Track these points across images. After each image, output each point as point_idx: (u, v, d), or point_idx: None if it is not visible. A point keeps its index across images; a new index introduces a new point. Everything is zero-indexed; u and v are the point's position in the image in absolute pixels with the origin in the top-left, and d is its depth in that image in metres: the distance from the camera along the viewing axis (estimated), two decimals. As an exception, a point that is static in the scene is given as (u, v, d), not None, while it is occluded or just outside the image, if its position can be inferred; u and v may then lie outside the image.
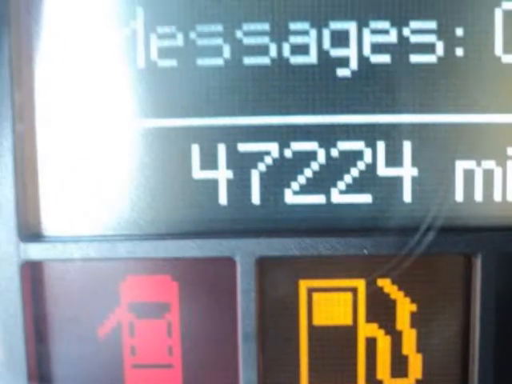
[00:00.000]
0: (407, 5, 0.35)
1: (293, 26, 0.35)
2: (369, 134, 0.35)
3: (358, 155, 0.36)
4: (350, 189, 0.36)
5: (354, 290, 0.36)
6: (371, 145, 0.36)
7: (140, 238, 0.36)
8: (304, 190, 0.36)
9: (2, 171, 0.35)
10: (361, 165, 0.36)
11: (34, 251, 0.36)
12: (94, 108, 0.36)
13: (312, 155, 0.36)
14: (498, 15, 0.35)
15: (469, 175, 0.35)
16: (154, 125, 0.36)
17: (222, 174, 0.36)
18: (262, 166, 0.36)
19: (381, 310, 0.37)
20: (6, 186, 0.35)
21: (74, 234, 0.36)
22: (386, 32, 0.35)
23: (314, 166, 0.36)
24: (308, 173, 0.36)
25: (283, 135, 0.36)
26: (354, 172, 0.36)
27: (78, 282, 0.37)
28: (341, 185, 0.36)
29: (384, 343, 0.37)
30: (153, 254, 0.35)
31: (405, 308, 0.37)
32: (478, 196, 0.36)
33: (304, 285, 0.36)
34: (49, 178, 0.36)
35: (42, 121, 0.36)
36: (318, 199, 0.36)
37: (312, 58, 0.35)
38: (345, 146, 0.36)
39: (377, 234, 0.35)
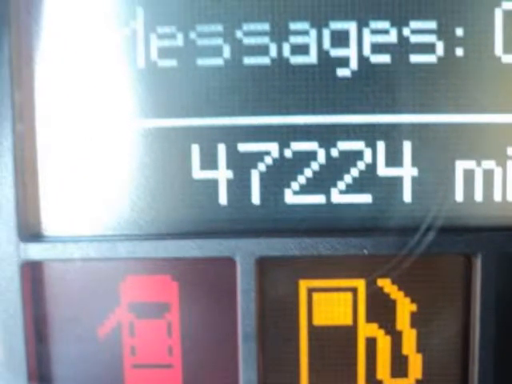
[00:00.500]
0: (407, 5, 0.35)
1: (293, 25, 0.35)
2: (369, 134, 0.35)
3: (358, 155, 0.36)
4: (350, 189, 0.36)
5: (354, 290, 0.36)
6: (371, 145, 0.36)
7: (140, 238, 0.36)
8: (304, 189, 0.36)
9: (1, 171, 0.35)
10: (361, 165, 0.36)
11: (34, 251, 0.36)
12: (93, 108, 0.36)
13: (312, 155, 0.36)
14: (498, 15, 0.35)
15: (469, 175, 0.35)
16: (154, 125, 0.36)
17: (222, 174, 0.36)
18: (261, 166, 0.36)
19: (381, 310, 0.37)
20: (6, 186, 0.35)
21: (74, 234, 0.36)
22: (385, 32, 0.35)
23: (314, 165, 0.36)
24: (308, 173, 0.36)
25: (283, 135, 0.36)
26: (354, 172, 0.36)
27: (78, 281, 0.37)
28: (341, 185, 0.36)
29: (384, 343, 0.37)
30: (153, 254, 0.35)
31: (405, 308, 0.37)
32: (478, 196, 0.36)
33: (304, 285, 0.36)
34: (49, 177, 0.36)
35: (42, 121, 0.36)
36: (318, 199, 0.36)
37: (312, 57, 0.35)
38: (345, 145, 0.36)
39: (377, 234, 0.35)
